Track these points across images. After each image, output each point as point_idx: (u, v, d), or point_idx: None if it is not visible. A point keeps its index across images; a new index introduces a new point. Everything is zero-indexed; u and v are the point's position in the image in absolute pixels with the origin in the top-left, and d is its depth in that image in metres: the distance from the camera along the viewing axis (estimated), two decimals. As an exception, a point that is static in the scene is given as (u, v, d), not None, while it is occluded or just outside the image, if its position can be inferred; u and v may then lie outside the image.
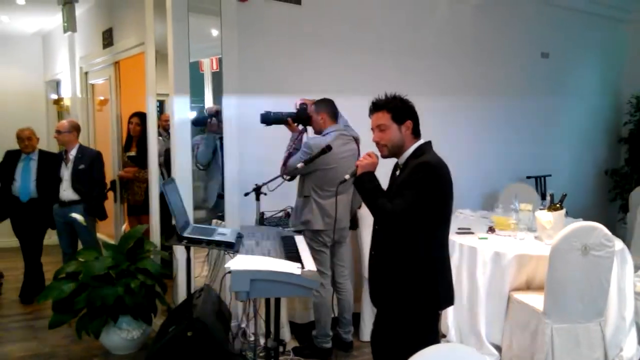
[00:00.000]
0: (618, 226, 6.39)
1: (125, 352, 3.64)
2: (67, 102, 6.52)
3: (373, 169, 2.36)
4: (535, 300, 3.24)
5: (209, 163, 4.04)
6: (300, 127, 3.64)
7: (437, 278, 2.31)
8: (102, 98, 5.59)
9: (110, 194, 5.03)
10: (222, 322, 3.10)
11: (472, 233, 3.88)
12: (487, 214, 4.62)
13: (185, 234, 2.61)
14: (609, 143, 6.86)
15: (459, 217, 4.56)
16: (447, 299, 2.38)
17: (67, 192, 4.47)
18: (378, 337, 2.50)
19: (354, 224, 3.86)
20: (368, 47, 4.67)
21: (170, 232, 2.75)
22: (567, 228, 3.05)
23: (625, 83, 6.80)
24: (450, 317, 3.60)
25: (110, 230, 5.38)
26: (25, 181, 4.64)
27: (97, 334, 3.44)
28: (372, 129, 2.39)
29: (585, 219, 3.56)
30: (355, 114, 3.70)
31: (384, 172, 2.41)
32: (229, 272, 2.18)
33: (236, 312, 3.64)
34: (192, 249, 2.92)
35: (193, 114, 3.81)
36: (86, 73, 5.76)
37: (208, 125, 3.91)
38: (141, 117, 4.51)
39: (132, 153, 4.81)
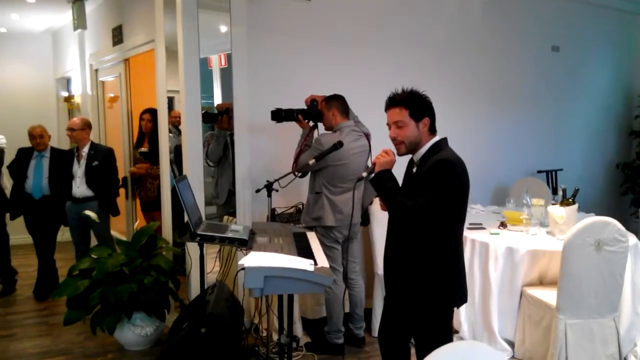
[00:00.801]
0: (630, 220, 6.35)
1: (139, 348, 3.67)
2: (77, 99, 6.56)
3: (391, 166, 2.34)
4: (548, 295, 3.23)
5: (220, 160, 4.05)
6: (311, 123, 3.64)
7: (454, 276, 2.31)
8: (112, 95, 5.61)
9: (122, 191, 5.06)
10: (235, 318, 3.12)
11: (484, 228, 3.87)
12: (498, 209, 4.61)
13: (199, 231, 2.62)
14: (620, 137, 6.80)
15: (470, 212, 4.55)
16: (462, 296, 2.38)
17: (80, 188, 4.50)
18: (389, 333, 2.50)
19: (365, 219, 3.86)
20: (377, 42, 4.65)
21: (184, 229, 2.76)
22: (580, 223, 3.04)
23: (637, 76, 6.74)
24: (462, 313, 3.60)
25: (122, 226, 5.41)
26: (37, 178, 4.67)
27: (111, 330, 3.47)
28: (387, 124, 2.35)
29: (597, 213, 3.55)
30: (366, 109, 3.72)
31: (397, 169, 2.39)
32: (243, 268, 2.19)
33: (248, 308, 3.66)
34: (205, 245, 2.93)
35: (203, 111, 3.82)
36: (96, 70, 5.78)
37: (219, 122, 3.91)
38: (153, 113, 4.53)
39: (144, 149, 4.83)
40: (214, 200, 4.14)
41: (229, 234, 2.66)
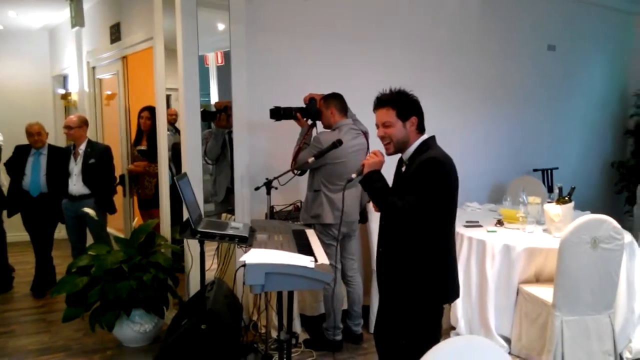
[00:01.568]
0: (625, 218, 6.40)
1: (137, 345, 3.68)
2: (74, 96, 6.55)
3: (379, 167, 2.36)
4: (545, 292, 3.26)
5: (218, 157, 4.06)
6: (310, 121, 3.65)
7: (446, 272, 2.34)
8: (109, 93, 5.61)
9: (120, 189, 5.05)
10: (234, 315, 3.13)
11: (481, 226, 3.90)
12: (494, 207, 4.64)
13: (199, 229, 2.63)
14: (615, 135, 6.85)
15: (467, 210, 4.59)
16: (454, 292, 2.41)
17: (77, 186, 4.50)
18: (383, 330, 2.53)
19: (364, 217, 3.88)
20: (375, 41, 4.67)
21: (184, 226, 2.77)
22: (576, 221, 3.07)
23: (632, 75, 6.79)
24: (459, 310, 3.63)
25: (119, 224, 5.41)
26: (35, 176, 4.67)
27: (110, 326, 3.48)
28: (376, 124, 2.38)
29: (592, 211, 3.58)
30: (364, 108, 3.72)
31: (388, 168, 2.42)
32: (244, 265, 2.21)
33: (247, 305, 3.67)
34: (204, 242, 2.94)
35: (201, 109, 3.82)
36: (93, 68, 5.77)
37: (217, 120, 3.92)
38: (151, 111, 4.52)
39: (143, 147, 4.82)
40: (212, 198, 4.15)
41: (230, 231, 2.67)
